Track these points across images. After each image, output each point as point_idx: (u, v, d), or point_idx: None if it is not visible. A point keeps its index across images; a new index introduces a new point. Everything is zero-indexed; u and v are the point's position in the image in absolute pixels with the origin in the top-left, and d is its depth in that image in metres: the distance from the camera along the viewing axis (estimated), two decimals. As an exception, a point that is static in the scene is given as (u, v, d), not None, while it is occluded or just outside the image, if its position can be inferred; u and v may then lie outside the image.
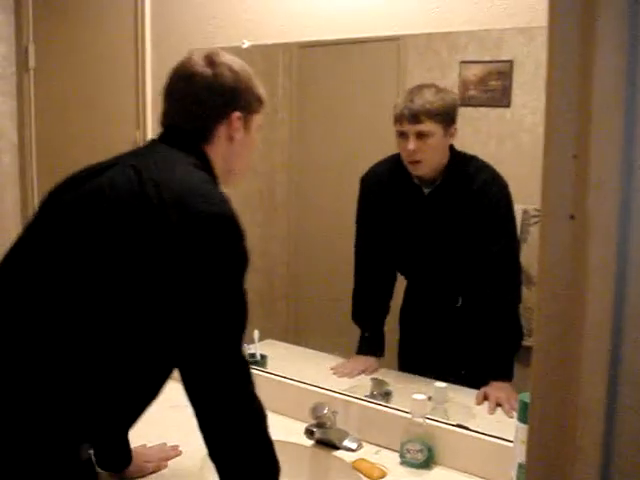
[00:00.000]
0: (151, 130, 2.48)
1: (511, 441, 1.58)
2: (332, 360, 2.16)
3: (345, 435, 1.82)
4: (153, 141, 1.47)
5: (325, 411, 1.78)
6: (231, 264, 1.23)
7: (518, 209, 1.82)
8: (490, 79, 1.90)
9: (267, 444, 1.31)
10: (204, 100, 1.40)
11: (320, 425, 1.79)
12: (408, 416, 1.76)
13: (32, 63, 2.87)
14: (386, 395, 1.94)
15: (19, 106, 2.95)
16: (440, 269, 2.01)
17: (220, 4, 2.25)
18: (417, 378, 2.00)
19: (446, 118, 1.88)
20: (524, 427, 1.42)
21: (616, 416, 0.61)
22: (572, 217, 0.60)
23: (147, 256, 1.20)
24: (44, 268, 1.26)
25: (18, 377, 1.21)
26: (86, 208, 1.27)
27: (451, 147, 1.93)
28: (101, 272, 1.22)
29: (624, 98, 0.59)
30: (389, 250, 2.09)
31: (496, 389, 1.85)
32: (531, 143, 1.81)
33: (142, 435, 1.60)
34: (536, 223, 1.80)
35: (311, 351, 2.22)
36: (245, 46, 2.16)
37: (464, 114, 1.98)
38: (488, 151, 1.95)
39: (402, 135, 1.90)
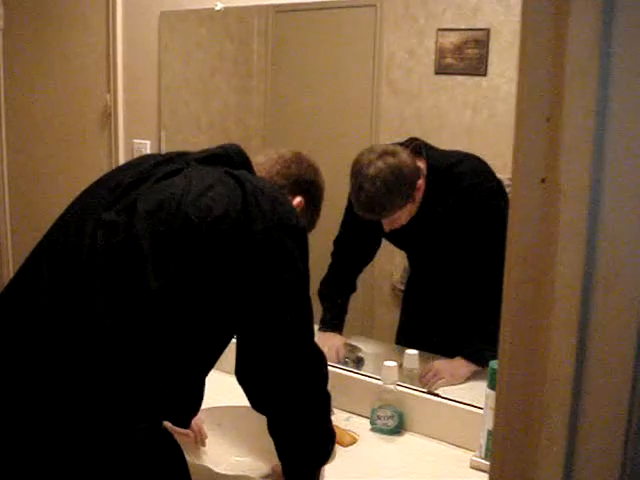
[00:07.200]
0: (122, 93, 2.44)
1: (481, 408, 1.60)
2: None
3: (317, 402, 1.83)
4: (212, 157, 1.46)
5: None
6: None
7: (492, 178, 1.82)
8: (467, 47, 1.89)
9: (329, 426, 1.43)
10: (287, 168, 1.52)
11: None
12: (379, 383, 1.77)
13: (1, 24, 2.82)
14: (358, 361, 1.95)
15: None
16: (434, 263, 1.96)
17: (194, -35, 2.20)
18: (391, 346, 2.01)
19: (406, 196, 1.75)
20: (493, 394, 1.43)
21: (583, 380, 0.61)
22: (543, 180, 0.60)
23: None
24: (130, 258, 1.23)
25: (101, 359, 1.20)
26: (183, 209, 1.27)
27: (429, 156, 1.80)
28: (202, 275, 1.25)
29: (598, 62, 0.58)
30: (373, 235, 1.99)
31: (444, 363, 1.85)
32: (507, 112, 1.80)
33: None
34: (510, 193, 1.79)
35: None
36: (218, 8, 2.12)
37: (440, 82, 1.97)
38: (464, 120, 1.94)
39: None
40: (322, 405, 1.40)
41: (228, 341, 1.36)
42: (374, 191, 1.71)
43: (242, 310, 1.29)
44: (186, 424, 1.46)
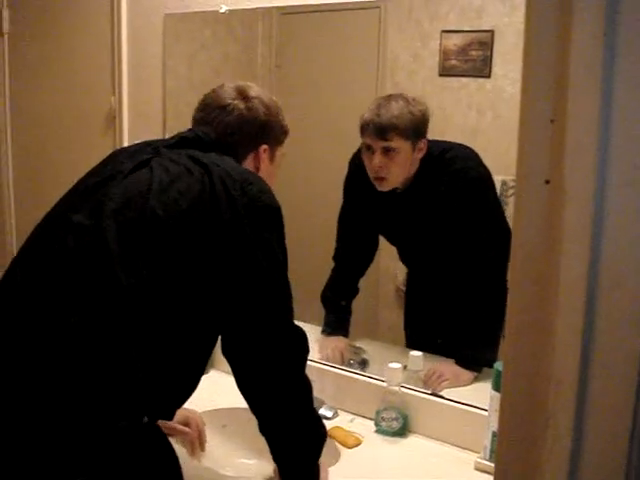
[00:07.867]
0: (126, 95, 2.44)
1: (486, 410, 1.60)
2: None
3: (321, 403, 1.82)
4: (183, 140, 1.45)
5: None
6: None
7: (497, 180, 1.82)
8: (471, 49, 1.88)
9: (314, 412, 1.44)
10: (237, 132, 1.46)
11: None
12: (383, 384, 1.77)
13: (7, 27, 2.82)
14: (363, 363, 1.95)
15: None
16: (426, 259, 1.99)
17: (198, -33, 2.20)
18: (395, 347, 2.01)
19: (415, 133, 1.80)
20: (498, 395, 1.43)
21: (588, 382, 0.61)
22: (547, 182, 0.60)
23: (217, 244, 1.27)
24: (112, 248, 1.23)
25: (87, 352, 1.20)
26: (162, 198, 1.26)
27: (429, 141, 1.84)
28: (178, 260, 1.25)
29: (602, 62, 0.58)
30: (370, 234, 2.05)
31: (447, 365, 1.85)
32: (511, 114, 1.79)
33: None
34: (514, 194, 1.78)
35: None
36: (222, 11, 2.13)
37: (444, 84, 1.97)
38: (468, 121, 1.94)
39: (368, 148, 1.83)
40: (304, 386, 1.39)
41: (212, 336, 1.35)
42: (396, 107, 1.78)
43: (221, 302, 1.29)
44: (169, 417, 1.44)
